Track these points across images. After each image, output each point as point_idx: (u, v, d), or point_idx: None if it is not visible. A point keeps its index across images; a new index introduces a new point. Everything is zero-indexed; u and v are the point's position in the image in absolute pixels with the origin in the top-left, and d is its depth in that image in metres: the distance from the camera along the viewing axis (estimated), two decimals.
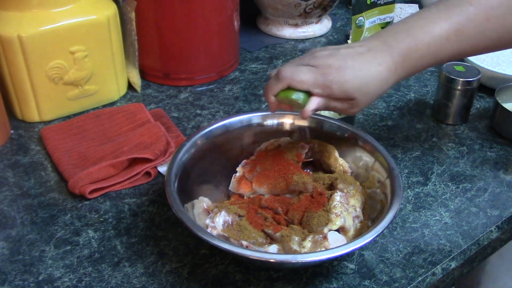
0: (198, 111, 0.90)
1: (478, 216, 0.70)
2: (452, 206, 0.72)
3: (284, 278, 0.61)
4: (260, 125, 0.73)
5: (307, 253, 0.56)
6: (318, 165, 0.71)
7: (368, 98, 0.61)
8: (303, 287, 0.60)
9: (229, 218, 0.61)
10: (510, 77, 0.90)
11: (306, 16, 1.11)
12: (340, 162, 0.69)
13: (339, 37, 1.16)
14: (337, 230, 0.59)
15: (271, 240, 0.61)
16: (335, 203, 0.61)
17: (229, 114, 0.89)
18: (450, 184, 0.75)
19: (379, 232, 0.55)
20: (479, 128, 0.87)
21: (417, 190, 0.74)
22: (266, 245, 0.59)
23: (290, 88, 0.61)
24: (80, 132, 0.81)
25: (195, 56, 0.95)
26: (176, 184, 0.61)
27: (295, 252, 0.57)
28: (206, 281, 0.60)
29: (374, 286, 0.60)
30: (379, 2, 0.96)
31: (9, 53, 0.79)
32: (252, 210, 0.64)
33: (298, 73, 0.60)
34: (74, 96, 0.86)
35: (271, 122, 0.73)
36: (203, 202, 0.63)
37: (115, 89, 0.91)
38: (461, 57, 0.69)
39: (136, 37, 0.92)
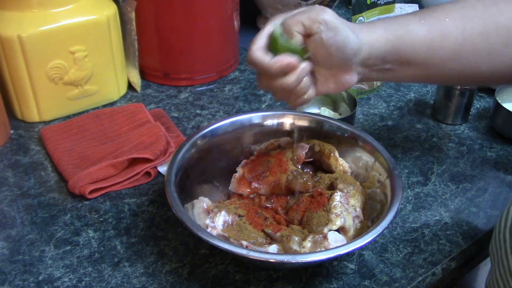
0: (198, 111, 0.90)
1: (478, 216, 0.70)
2: (452, 206, 0.72)
3: (284, 278, 0.61)
4: (260, 125, 0.72)
5: (307, 253, 0.56)
6: (318, 165, 0.71)
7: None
8: (303, 287, 0.60)
9: (229, 218, 0.61)
10: None
11: None
12: (340, 162, 0.69)
13: None
14: (337, 230, 0.59)
15: (271, 240, 0.61)
16: (335, 203, 0.61)
17: (229, 114, 0.89)
18: (450, 184, 0.75)
19: (379, 232, 0.55)
20: (479, 128, 0.87)
21: (417, 190, 0.74)
22: (266, 245, 0.59)
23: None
24: (80, 132, 0.81)
25: (195, 56, 0.95)
26: (176, 184, 0.61)
27: (295, 252, 0.57)
28: (206, 281, 0.60)
29: (374, 286, 0.60)
30: (379, 2, 0.96)
31: (9, 53, 0.78)
32: (252, 210, 0.64)
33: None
34: (74, 96, 0.86)
35: (271, 122, 0.73)
36: (203, 202, 0.63)
37: (115, 89, 0.91)
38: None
39: (136, 37, 0.92)
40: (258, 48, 0.57)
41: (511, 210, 0.55)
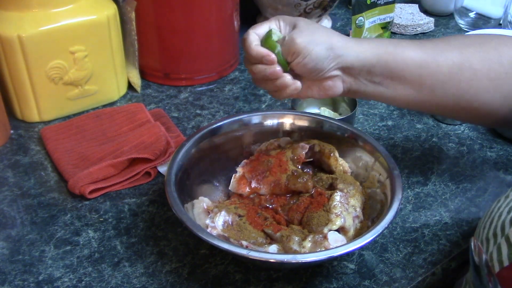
0: (198, 111, 0.90)
1: (478, 216, 0.70)
2: (452, 206, 0.72)
3: (284, 278, 0.61)
4: (260, 125, 0.73)
5: (307, 253, 0.56)
6: (318, 165, 0.71)
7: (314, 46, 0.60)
8: (303, 287, 0.60)
9: (229, 218, 0.61)
10: None
11: (306, 16, 1.11)
12: (340, 162, 0.69)
13: None
14: (337, 230, 0.59)
15: (271, 240, 0.61)
16: (335, 203, 0.61)
17: (229, 114, 0.89)
18: (450, 184, 0.75)
19: (379, 232, 0.55)
20: (479, 128, 0.87)
21: (417, 190, 0.74)
22: (266, 245, 0.59)
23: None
24: (80, 132, 0.81)
25: (195, 56, 0.95)
26: (176, 184, 0.61)
27: (295, 252, 0.57)
28: (206, 281, 0.60)
29: (374, 286, 0.60)
30: (379, 2, 0.96)
31: (9, 53, 0.79)
32: (252, 210, 0.64)
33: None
34: (74, 96, 0.86)
35: (271, 122, 0.73)
36: (203, 202, 0.63)
37: (115, 89, 0.91)
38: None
39: (136, 37, 0.92)
40: (254, 32, 0.62)
41: (493, 213, 0.55)
